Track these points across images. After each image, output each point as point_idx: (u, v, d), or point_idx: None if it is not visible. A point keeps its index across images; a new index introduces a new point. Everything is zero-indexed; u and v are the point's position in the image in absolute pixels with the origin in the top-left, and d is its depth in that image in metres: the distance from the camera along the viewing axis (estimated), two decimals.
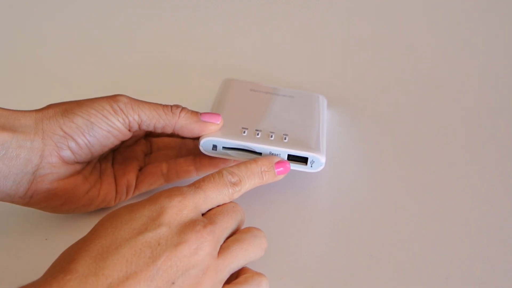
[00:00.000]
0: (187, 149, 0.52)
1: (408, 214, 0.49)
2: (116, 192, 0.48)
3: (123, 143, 0.50)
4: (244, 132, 0.48)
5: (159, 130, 0.47)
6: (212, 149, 0.47)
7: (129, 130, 0.46)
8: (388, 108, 0.63)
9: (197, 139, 0.49)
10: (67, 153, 0.44)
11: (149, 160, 0.51)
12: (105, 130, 0.44)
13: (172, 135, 0.52)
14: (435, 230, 0.48)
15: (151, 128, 0.46)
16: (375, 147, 0.57)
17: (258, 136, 0.48)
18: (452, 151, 0.57)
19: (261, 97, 0.55)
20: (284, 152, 0.47)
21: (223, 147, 0.47)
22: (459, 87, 0.66)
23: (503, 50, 0.73)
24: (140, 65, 0.69)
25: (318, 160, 0.47)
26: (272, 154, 0.47)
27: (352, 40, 0.74)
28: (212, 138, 0.47)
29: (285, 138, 0.48)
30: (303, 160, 0.47)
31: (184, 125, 0.46)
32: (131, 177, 0.49)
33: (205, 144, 0.47)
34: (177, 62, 0.69)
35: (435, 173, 0.54)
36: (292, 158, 0.47)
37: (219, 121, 0.47)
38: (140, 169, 0.50)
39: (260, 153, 0.47)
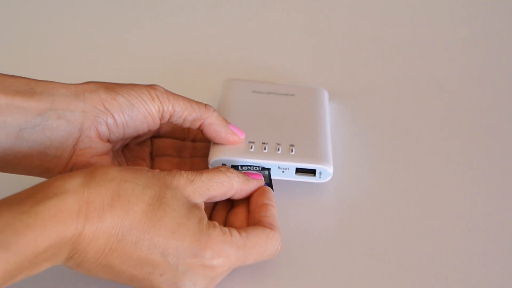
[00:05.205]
0: (187, 151, 0.52)
1: (408, 214, 0.50)
2: None
3: (136, 138, 0.50)
4: (251, 148, 0.48)
5: (187, 124, 0.47)
6: None
7: (160, 120, 0.46)
8: (389, 107, 0.62)
9: (208, 142, 0.49)
10: (103, 129, 0.44)
11: (153, 164, 0.51)
12: (142, 113, 0.44)
13: (187, 133, 0.52)
14: (436, 230, 0.49)
15: (180, 121, 0.47)
16: (375, 146, 0.57)
17: (265, 151, 0.48)
18: (453, 150, 0.57)
19: (263, 100, 0.54)
20: (292, 166, 0.47)
21: (232, 166, 0.47)
22: (461, 86, 0.65)
23: (503, 50, 0.72)
24: (140, 65, 0.67)
25: (326, 171, 0.48)
26: (280, 168, 0.48)
27: (354, 37, 0.72)
28: (222, 157, 0.47)
29: (292, 150, 0.48)
30: (312, 172, 0.48)
31: (213, 122, 0.47)
32: None
33: (214, 164, 0.47)
34: (177, 62, 0.68)
35: (436, 172, 0.54)
36: (300, 170, 0.48)
37: (243, 137, 0.48)
38: None
39: (269, 168, 0.48)
